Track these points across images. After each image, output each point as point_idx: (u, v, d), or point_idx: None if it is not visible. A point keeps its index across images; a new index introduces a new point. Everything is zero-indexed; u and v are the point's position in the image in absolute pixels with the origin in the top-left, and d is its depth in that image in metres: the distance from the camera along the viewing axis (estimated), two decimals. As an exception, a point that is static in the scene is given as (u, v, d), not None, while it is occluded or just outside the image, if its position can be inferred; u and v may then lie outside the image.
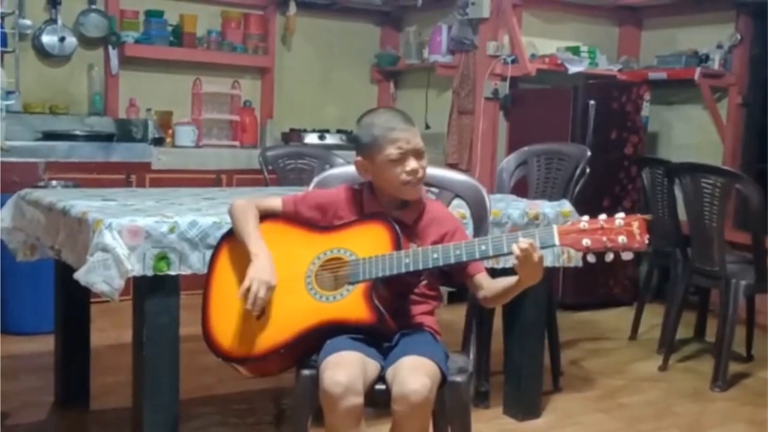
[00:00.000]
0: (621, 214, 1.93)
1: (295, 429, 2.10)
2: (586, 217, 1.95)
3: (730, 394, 3.62)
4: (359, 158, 2.17)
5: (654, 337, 4.33)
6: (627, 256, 1.92)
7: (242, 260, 2.11)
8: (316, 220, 2.18)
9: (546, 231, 1.96)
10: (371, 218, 2.13)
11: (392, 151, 2.09)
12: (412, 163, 2.10)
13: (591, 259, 1.94)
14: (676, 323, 3.97)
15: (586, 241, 1.91)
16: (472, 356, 2.30)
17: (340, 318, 2.03)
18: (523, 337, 3.15)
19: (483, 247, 2.00)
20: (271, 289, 2.04)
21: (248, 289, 2.02)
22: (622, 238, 1.90)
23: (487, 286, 2.13)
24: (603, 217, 1.94)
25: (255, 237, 2.11)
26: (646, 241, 1.90)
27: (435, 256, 2.02)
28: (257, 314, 2.05)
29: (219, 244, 2.23)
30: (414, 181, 2.11)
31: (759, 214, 3.67)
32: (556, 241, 1.94)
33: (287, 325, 2.05)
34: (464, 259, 2.02)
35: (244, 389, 3.37)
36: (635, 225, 1.91)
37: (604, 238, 1.91)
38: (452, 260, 2.02)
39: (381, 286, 2.05)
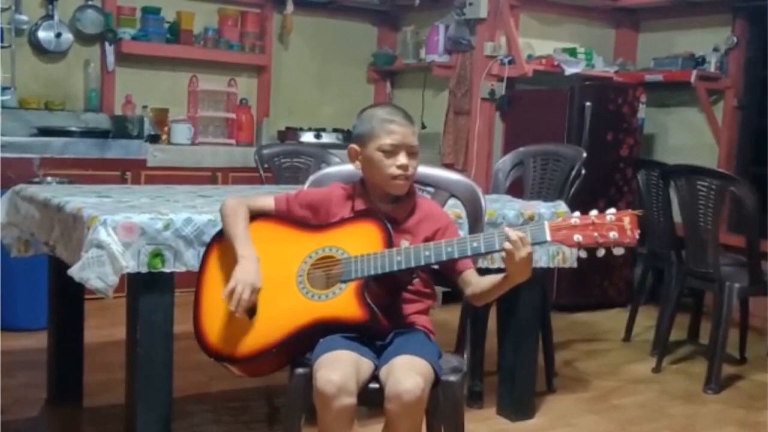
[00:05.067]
0: (612, 210, 1.93)
1: (288, 427, 2.10)
2: (577, 213, 1.95)
3: (723, 397, 3.63)
4: (353, 145, 2.18)
5: (648, 338, 4.34)
6: (618, 251, 1.93)
7: (233, 260, 2.11)
8: (308, 219, 2.18)
9: (537, 227, 1.96)
10: (363, 217, 2.13)
11: (386, 141, 2.10)
12: (402, 159, 2.11)
13: (582, 254, 1.95)
14: (670, 325, 3.98)
15: (577, 237, 1.92)
16: (466, 356, 2.31)
17: (333, 316, 2.03)
18: (517, 338, 3.15)
19: (475, 244, 2.00)
20: (255, 291, 2.04)
21: (232, 291, 2.02)
22: (613, 234, 1.90)
23: (476, 282, 2.13)
24: (594, 212, 1.94)
25: (243, 238, 2.11)
26: (637, 236, 1.91)
27: (427, 253, 2.03)
28: (240, 316, 2.04)
29: (210, 243, 2.23)
30: (402, 177, 2.12)
31: (753, 217, 3.68)
32: (548, 237, 1.94)
33: (279, 324, 2.04)
34: (456, 256, 2.03)
35: (237, 387, 3.36)
36: (626, 220, 1.91)
37: (596, 234, 1.91)
38: (444, 257, 2.02)
39: (373, 284, 2.05)
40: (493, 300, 2.18)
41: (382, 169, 2.12)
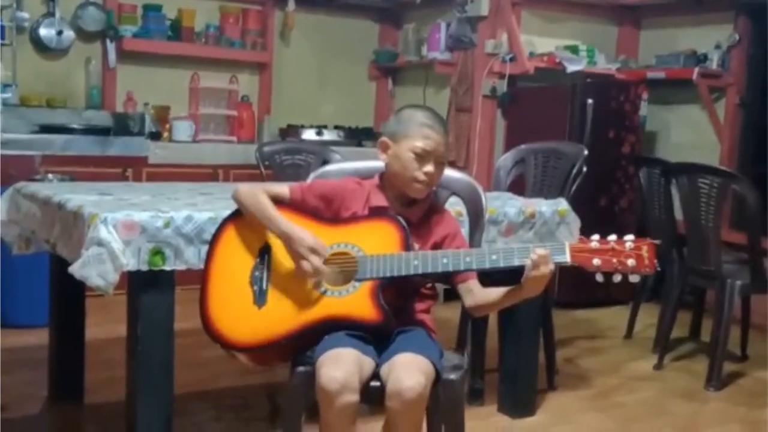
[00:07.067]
0: (630, 236, 1.94)
1: (289, 425, 2.10)
2: (596, 236, 1.96)
3: (725, 394, 3.63)
4: (385, 138, 2.17)
5: (649, 336, 4.33)
6: (634, 278, 1.93)
7: (245, 246, 2.11)
8: (321, 210, 2.17)
9: (558, 247, 1.97)
10: (380, 215, 2.12)
11: (419, 144, 2.10)
12: (430, 167, 2.11)
13: (599, 278, 1.95)
14: (672, 322, 3.98)
15: (596, 261, 1.92)
16: (467, 354, 2.30)
17: (346, 314, 2.02)
18: (518, 335, 3.15)
19: (494, 257, 2.00)
20: (323, 251, 2.02)
21: (307, 267, 2.00)
22: (631, 262, 1.91)
23: (478, 293, 2.12)
24: (613, 237, 1.94)
25: (278, 216, 2.08)
26: (656, 267, 1.92)
27: (445, 261, 2.02)
28: (321, 288, 2.03)
29: (219, 229, 2.19)
30: (425, 183, 2.12)
31: (755, 215, 3.67)
32: (568, 259, 1.95)
33: (291, 315, 2.04)
34: (474, 267, 2.03)
35: (238, 384, 3.37)
36: (644, 249, 1.92)
37: (615, 260, 1.92)
38: (462, 267, 2.02)
39: (386, 285, 2.04)
40: (493, 311, 2.16)
41: (408, 170, 2.11)
